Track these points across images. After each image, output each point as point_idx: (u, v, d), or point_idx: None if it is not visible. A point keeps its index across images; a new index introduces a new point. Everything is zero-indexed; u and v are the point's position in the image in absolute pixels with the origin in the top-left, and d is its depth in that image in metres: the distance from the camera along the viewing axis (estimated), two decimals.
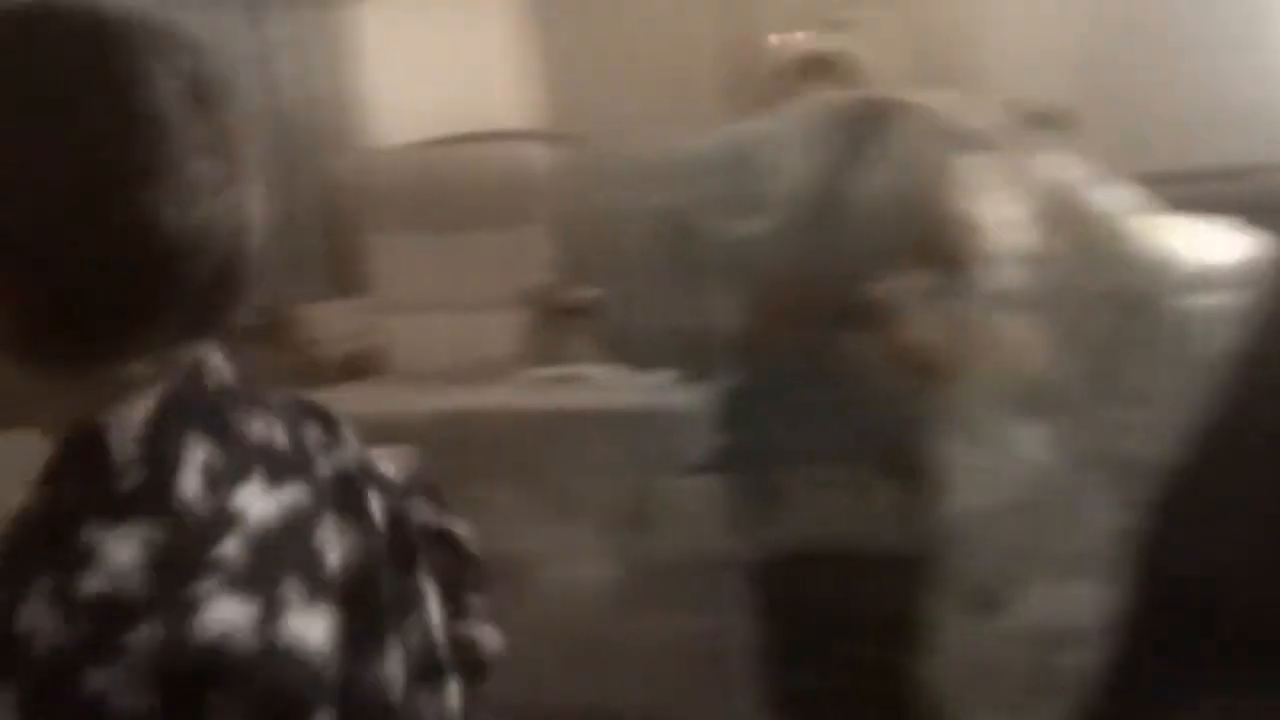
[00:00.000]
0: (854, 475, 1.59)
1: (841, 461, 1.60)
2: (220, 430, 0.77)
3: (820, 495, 1.62)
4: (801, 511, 1.63)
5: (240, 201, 0.75)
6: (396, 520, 0.90)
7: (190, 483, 0.73)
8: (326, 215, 3.92)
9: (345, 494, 0.85)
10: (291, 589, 0.74)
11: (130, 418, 0.74)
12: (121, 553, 0.68)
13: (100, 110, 0.70)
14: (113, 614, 0.66)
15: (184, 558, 0.69)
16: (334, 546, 0.81)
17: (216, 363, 0.81)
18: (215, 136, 0.73)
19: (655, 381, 2.22)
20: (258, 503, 0.76)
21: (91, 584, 0.66)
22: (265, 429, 0.82)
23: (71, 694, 0.64)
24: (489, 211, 3.75)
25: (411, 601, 0.88)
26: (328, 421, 0.90)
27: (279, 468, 0.80)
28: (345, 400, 3.12)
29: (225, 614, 0.68)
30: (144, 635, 0.65)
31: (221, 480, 0.75)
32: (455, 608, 1.00)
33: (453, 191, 3.80)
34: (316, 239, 3.92)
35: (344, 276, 3.90)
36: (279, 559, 0.75)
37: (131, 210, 0.69)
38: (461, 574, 1.07)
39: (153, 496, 0.72)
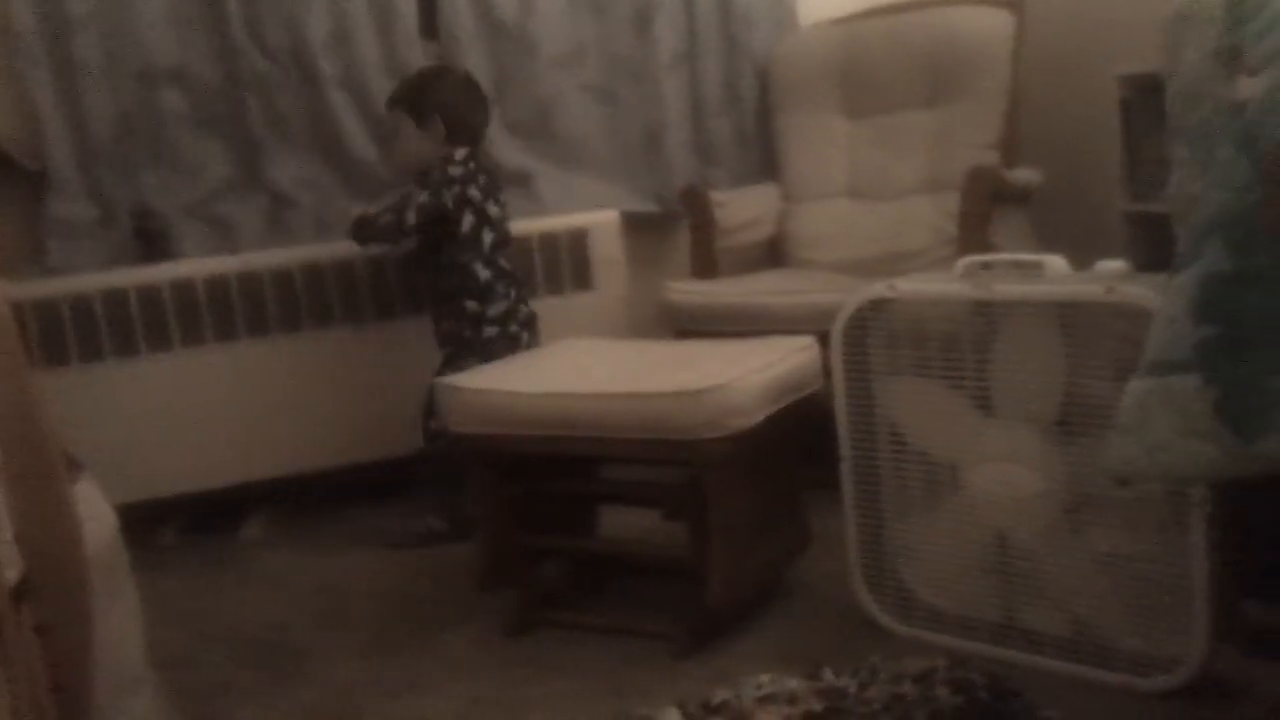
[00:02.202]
0: None
1: None
2: (476, 163, 3.05)
3: None
4: None
5: (484, 112, 3.18)
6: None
7: (458, 169, 3.01)
8: (757, 96, 3.83)
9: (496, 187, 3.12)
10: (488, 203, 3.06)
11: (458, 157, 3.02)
12: (458, 167, 3.01)
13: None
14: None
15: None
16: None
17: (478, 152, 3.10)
18: (474, 98, 3.16)
19: (1108, 270, 2.02)
20: (476, 187, 3.03)
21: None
22: (487, 163, 3.16)
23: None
24: (918, 87, 3.57)
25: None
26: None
27: (486, 180, 3.07)
28: (760, 288, 3.22)
29: (473, 192, 3.01)
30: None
31: (493, 176, 3.13)
32: None
33: (878, 67, 3.63)
34: (748, 120, 3.85)
35: (769, 160, 3.82)
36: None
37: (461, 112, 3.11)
38: None
39: (456, 173, 3.00)
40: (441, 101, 3.07)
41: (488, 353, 2.91)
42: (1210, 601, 1.86)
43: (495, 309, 3.03)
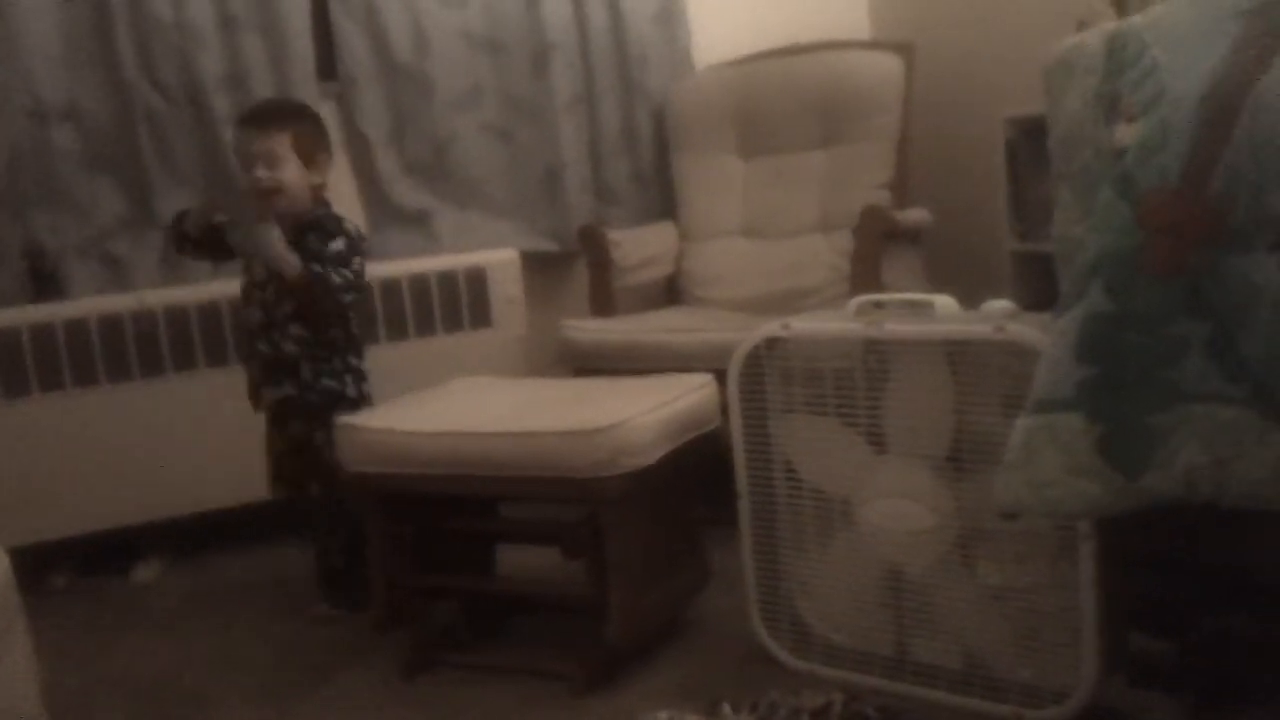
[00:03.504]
0: (1242, 421, 1.39)
1: (1228, 403, 1.40)
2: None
3: (1200, 440, 1.42)
4: (1177, 458, 1.44)
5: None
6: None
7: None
8: (655, 136, 3.87)
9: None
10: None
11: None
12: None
13: None
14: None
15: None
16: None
17: None
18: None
19: (995, 310, 2.07)
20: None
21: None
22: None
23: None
24: (811, 128, 3.63)
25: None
26: None
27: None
28: (658, 326, 3.24)
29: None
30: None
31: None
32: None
33: (773, 109, 3.70)
34: (646, 160, 3.88)
35: (667, 199, 3.86)
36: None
37: None
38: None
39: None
40: (329, 146, 2.84)
41: (363, 407, 2.76)
42: (1099, 633, 1.90)
43: (365, 364, 2.85)
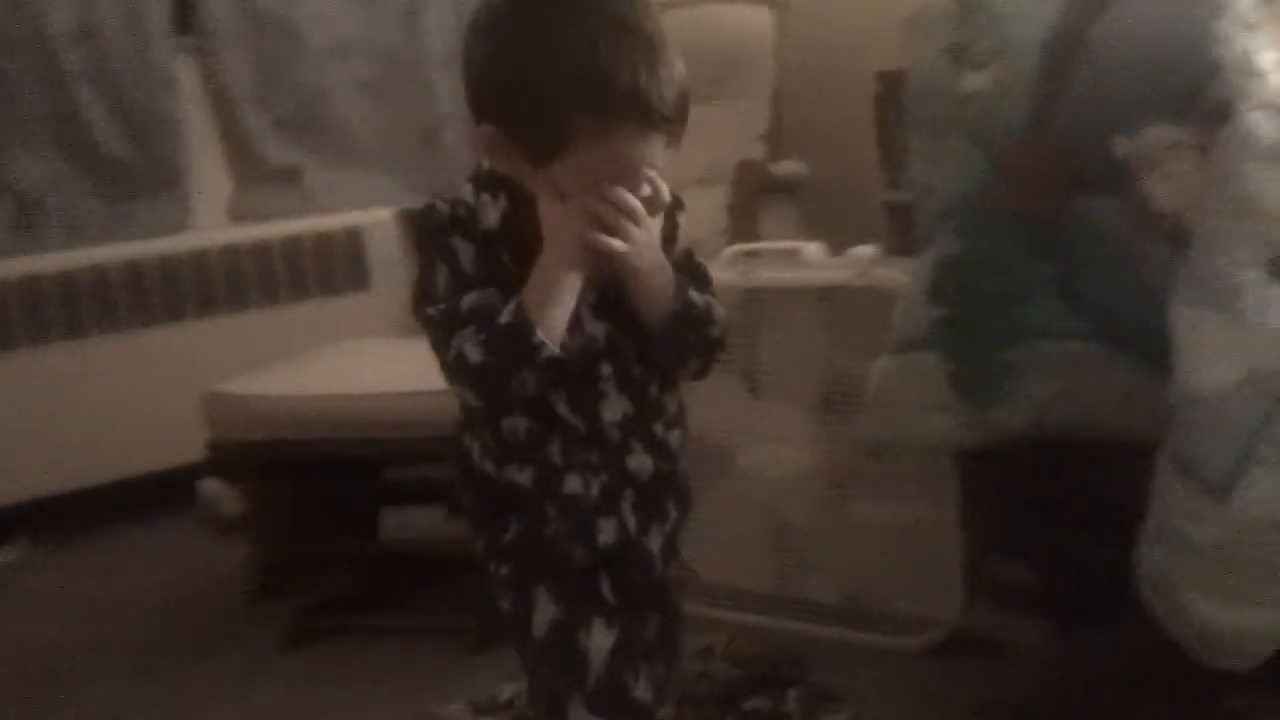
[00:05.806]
0: (1086, 354, 1.45)
1: (1073, 338, 1.45)
2: None
3: (1048, 373, 1.48)
4: (1025, 389, 1.49)
5: None
6: None
7: None
8: None
9: None
10: None
11: None
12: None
13: None
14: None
15: None
16: None
17: None
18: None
19: (861, 255, 2.11)
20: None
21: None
22: None
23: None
24: (694, 83, 3.62)
25: None
26: None
27: None
28: None
29: None
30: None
31: None
32: None
33: None
34: None
35: None
36: None
37: None
38: None
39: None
40: None
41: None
42: (965, 563, 1.98)
43: None
